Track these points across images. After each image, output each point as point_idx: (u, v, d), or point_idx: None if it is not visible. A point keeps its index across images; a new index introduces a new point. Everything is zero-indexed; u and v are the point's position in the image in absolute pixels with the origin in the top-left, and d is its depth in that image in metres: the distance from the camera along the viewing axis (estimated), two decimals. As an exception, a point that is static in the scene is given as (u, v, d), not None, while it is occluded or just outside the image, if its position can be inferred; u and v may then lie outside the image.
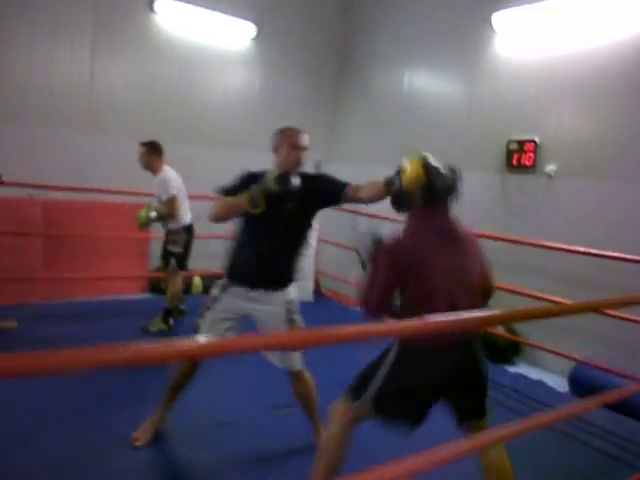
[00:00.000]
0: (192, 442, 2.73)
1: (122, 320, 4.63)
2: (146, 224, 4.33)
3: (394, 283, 1.97)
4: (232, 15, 5.88)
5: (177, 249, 4.41)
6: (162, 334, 4.26)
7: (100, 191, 5.00)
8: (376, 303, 1.97)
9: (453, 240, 2.05)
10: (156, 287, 5.71)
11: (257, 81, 6.42)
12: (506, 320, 3.39)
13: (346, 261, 6.48)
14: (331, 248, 6.36)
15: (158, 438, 2.68)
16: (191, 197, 4.54)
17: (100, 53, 5.32)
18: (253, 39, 6.19)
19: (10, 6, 4.81)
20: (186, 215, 4.40)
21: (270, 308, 2.51)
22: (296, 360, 2.62)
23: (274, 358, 2.58)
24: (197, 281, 5.90)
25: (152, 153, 4.24)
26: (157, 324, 4.36)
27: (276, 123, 6.69)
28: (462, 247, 2.06)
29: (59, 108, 5.13)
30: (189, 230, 4.46)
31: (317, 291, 6.15)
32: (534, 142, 4.65)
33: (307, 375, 2.69)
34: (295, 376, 2.66)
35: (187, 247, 4.46)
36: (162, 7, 5.46)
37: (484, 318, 1.58)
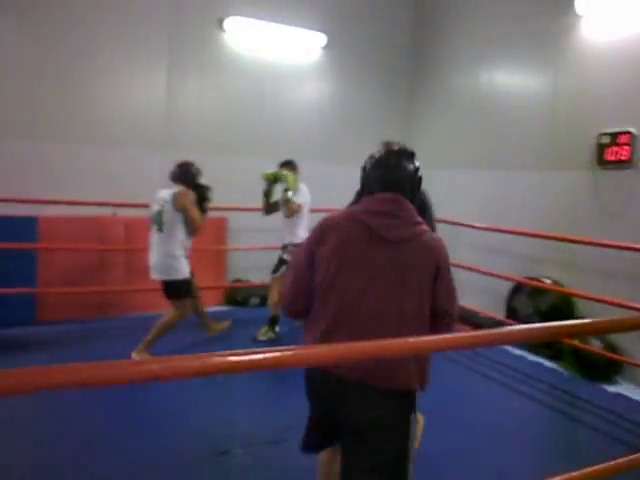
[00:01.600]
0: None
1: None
2: (270, 180, 4.48)
3: (301, 275, 1.73)
4: (301, 27, 5.88)
5: (287, 258, 4.55)
6: (271, 342, 4.40)
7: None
8: (285, 300, 1.77)
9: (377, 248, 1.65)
10: (232, 299, 5.79)
11: (328, 91, 6.37)
12: (581, 331, 3.02)
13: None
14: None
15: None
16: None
17: (174, 74, 5.50)
18: (323, 48, 6.15)
19: (92, 36, 5.09)
20: (303, 231, 4.43)
21: None
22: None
23: None
24: (273, 293, 5.90)
25: (294, 170, 4.53)
26: (266, 333, 4.53)
27: (348, 133, 6.64)
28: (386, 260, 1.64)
29: (137, 129, 5.35)
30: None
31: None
32: (630, 133, 4.18)
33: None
34: None
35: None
36: (231, 25, 5.56)
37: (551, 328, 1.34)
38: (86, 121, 5.15)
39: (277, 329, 4.57)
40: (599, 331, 2.58)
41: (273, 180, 4.50)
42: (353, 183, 5.30)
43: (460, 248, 5.78)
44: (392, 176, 1.75)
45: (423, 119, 6.68)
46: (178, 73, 5.54)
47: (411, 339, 1.34)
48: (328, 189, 5.26)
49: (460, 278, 5.69)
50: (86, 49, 5.09)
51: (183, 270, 3.88)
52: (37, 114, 4.94)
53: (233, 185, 5.50)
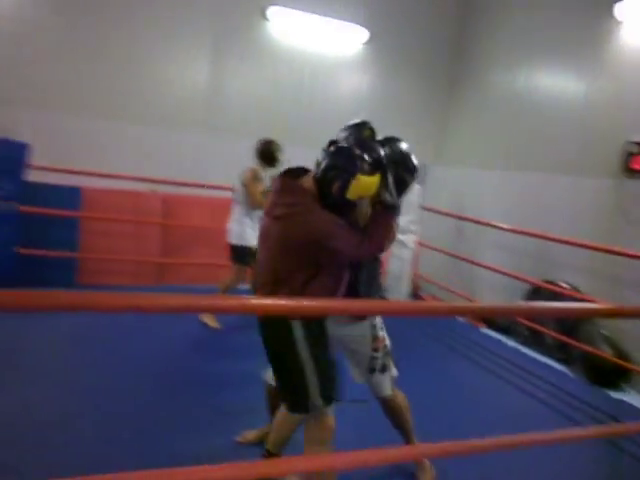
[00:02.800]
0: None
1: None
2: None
3: None
4: (344, 20, 6.02)
5: None
6: None
7: (215, 187, 5.36)
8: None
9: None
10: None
11: (366, 84, 6.50)
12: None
13: (448, 267, 6.34)
14: (434, 253, 6.23)
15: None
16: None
17: (217, 60, 5.74)
18: (365, 43, 6.27)
19: (141, 24, 5.39)
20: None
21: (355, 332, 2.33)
22: (385, 384, 2.40)
23: (361, 379, 2.42)
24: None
25: None
26: None
27: (384, 127, 6.71)
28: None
29: (179, 112, 5.62)
30: None
31: (415, 294, 6.05)
32: (658, 144, 4.16)
33: (399, 399, 2.44)
34: (385, 402, 2.45)
35: None
36: (274, 15, 5.75)
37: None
38: (133, 102, 5.47)
39: None
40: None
41: None
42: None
43: (484, 247, 5.86)
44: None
45: (458, 117, 6.73)
46: (220, 59, 5.78)
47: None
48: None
49: (481, 276, 5.82)
50: (136, 36, 5.40)
51: (247, 238, 4.23)
52: (89, 93, 5.28)
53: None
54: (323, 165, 1.97)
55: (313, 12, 5.87)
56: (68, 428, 2.64)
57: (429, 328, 5.03)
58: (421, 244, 6.14)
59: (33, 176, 4.66)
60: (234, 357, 3.79)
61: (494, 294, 5.61)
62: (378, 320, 2.37)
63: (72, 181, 4.96)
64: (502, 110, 5.96)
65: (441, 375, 4.05)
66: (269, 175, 4.43)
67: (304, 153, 6.52)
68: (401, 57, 6.55)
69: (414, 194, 5.90)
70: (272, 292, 1.98)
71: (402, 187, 2.17)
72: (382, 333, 2.37)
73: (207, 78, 5.76)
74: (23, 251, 4.59)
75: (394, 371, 2.44)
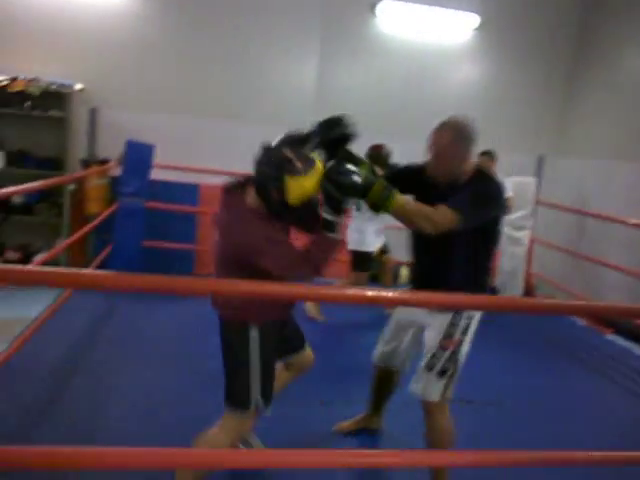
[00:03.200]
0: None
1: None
2: None
3: None
4: (453, 8, 5.82)
5: None
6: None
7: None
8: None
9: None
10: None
11: (477, 73, 6.23)
12: None
13: (568, 267, 5.90)
14: (552, 251, 5.84)
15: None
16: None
17: (326, 59, 5.82)
18: (475, 30, 6.02)
19: (253, 26, 5.61)
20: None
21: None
22: (436, 388, 2.17)
23: (414, 384, 2.23)
24: (404, 272, 6.04)
25: (494, 160, 4.67)
26: None
27: (497, 116, 6.50)
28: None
29: (289, 111, 5.77)
30: None
31: (529, 293, 5.71)
32: None
33: (446, 417, 2.20)
34: (427, 409, 2.22)
35: None
36: (383, 9, 5.70)
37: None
38: (245, 102, 5.72)
39: None
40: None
41: None
42: (497, 167, 5.25)
43: (609, 244, 5.38)
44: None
45: (580, 104, 6.22)
46: (329, 58, 5.84)
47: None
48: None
49: (605, 277, 5.36)
50: (248, 40, 5.62)
51: (368, 244, 4.32)
52: (206, 96, 5.61)
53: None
54: (253, 174, 1.87)
55: (422, 2, 5.74)
56: (178, 408, 2.83)
57: (548, 331, 4.73)
58: (536, 241, 5.80)
59: (157, 174, 5.04)
60: (336, 350, 3.83)
61: (620, 296, 5.13)
62: (464, 322, 2.15)
63: (191, 178, 5.32)
64: (633, 98, 5.42)
65: (550, 379, 3.79)
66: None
67: (415, 148, 6.39)
68: (515, 42, 6.19)
69: (528, 188, 5.58)
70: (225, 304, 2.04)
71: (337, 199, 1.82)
72: (460, 337, 2.15)
73: (316, 78, 5.85)
74: (148, 243, 4.99)
75: (449, 392, 2.19)
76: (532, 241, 5.66)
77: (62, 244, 4.28)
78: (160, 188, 5.13)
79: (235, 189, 1.99)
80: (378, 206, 1.88)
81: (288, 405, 2.95)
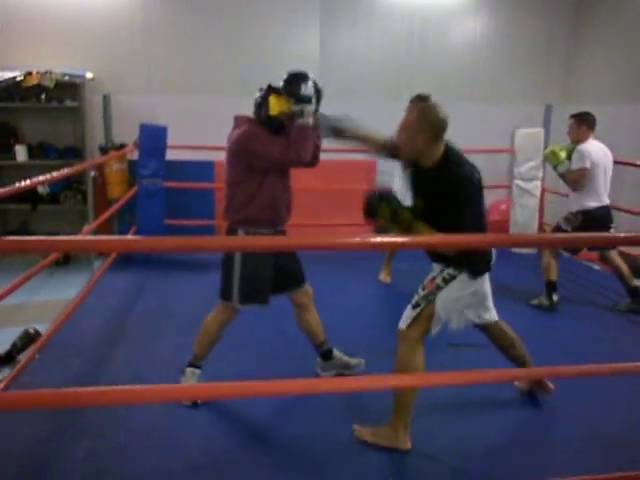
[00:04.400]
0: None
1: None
2: (555, 163, 4.04)
3: None
4: (451, -37, 5.79)
5: (565, 227, 4.09)
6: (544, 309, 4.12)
7: (336, 151, 5.55)
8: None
9: None
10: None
11: (479, 26, 6.20)
12: None
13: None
14: (563, 200, 5.90)
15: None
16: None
17: (327, 26, 5.88)
18: (475, -17, 5.99)
19: (255, 3, 5.69)
20: (590, 198, 3.96)
21: None
22: (407, 317, 2.41)
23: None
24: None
25: (580, 124, 4.02)
26: (540, 298, 4.17)
27: (500, 69, 6.46)
28: None
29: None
30: (588, 217, 3.97)
31: (543, 244, 5.81)
32: None
33: (407, 349, 2.39)
34: (398, 337, 2.43)
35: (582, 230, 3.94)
36: (380, -30, 5.71)
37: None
38: (250, 75, 5.78)
39: (555, 298, 4.10)
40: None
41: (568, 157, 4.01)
42: (504, 119, 5.27)
43: (623, 189, 5.42)
44: None
45: (587, 51, 6.18)
46: (330, 24, 5.90)
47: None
48: (481, 127, 5.40)
49: (616, 220, 5.42)
50: (251, 12, 5.72)
51: None
52: (211, 75, 5.73)
53: (381, 129, 5.79)
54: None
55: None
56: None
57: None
58: (547, 191, 5.87)
59: (172, 155, 5.22)
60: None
61: None
62: (447, 274, 2.34)
63: (205, 156, 5.48)
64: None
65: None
66: None
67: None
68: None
69: (536, 138, 5.63)
70: (226, 214, 2.68)
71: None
72: (440, 282, 2.35)
73: (318, 44, 5.92)
74: (169, 222, 5.21)
75: (419, 329, 2.37)
76: (543, 191, 5.74)
77: (88, 229, 4.52)
78: (177, 168, 5.31)
79: (241, 117, 2.71)
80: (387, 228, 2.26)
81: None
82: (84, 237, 2.52)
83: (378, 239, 1.56)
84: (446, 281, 2.37)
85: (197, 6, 5.60)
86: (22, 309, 4.04)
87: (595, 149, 3.96)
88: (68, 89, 5.17)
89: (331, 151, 5.46)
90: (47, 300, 4.29)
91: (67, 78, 5.07)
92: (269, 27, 5.78)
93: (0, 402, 1.65)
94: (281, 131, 2.59)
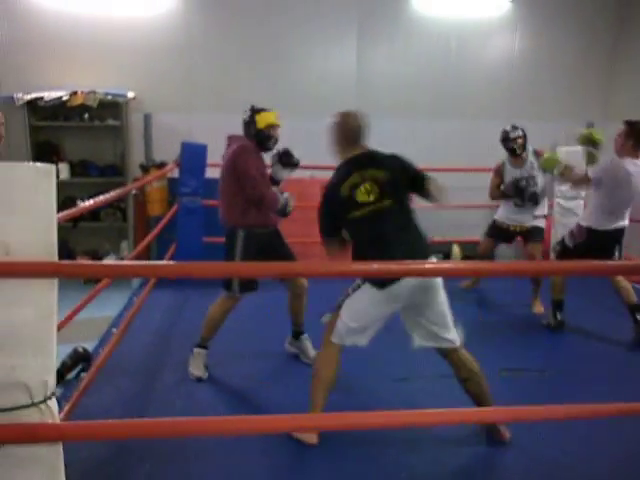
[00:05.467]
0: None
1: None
2: (551, 167, 3.87)
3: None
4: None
5: (568, 242, 3.92)
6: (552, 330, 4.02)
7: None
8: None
9: None
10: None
11: (517, 44, 6.16)
12: None
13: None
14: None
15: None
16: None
17: (364, 43, 5.89)
18: (512, 1, 5.95)
19: (290, 18, 5.72)
20: (604, 218, 3.66)
21: None
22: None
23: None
24: (456, 249, 6.09)
25: (628, 139, 3.65)
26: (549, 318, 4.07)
27: (539, 87, 6.37)
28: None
29: (330, 98, 5.87)
30: (595, 236, 3.68)
31: (585, 264, 5.67)
32: None
33: (326, 348, 2.52)
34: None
35: (583, 250, 3.70)
36: (419, -12, 5.72)
37: None
38: (289, 93, 5.83)
39: (559, 317, 4.01)
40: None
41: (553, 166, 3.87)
42: (543, 137, 5.20)
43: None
44: None
45: (628, 68, 6.08)
46: (367, 42, 5.91)
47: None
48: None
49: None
50: (288, 31, 5.76)
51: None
52: (249, 93, 5.73)
53: (416, 146, 5.76)
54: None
55: (457, -21, 5.72)
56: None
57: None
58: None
59: (212, 172, 5.24)
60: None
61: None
62: (356, 284, 2.48)
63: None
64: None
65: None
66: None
67: (456, 125, 6.43)
68: (554, 8, 6.09)
69: (577, 157, 5.51)
70: (228, 219, 3.19)
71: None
72: (350, 290, 2.48)
73: (355, 63, 5.93)
74: (208, 239, 5.21)
75: (335, 333, 2.47)
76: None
77: (131, 252, 4.53)
78: (216, 186, 5.31)
79: (233, 136, 3.26)
80: None
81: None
82: (144, 263, 2.51)
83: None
84: (354, 290, 2.46)
85: (237, 24, 5.66)
86: (67, 326, 4.06)
87: (627, 168, 3.56)
88: (110, 108, 5.25)
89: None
90: (90, 317, 4.29)
91: (110, 97, 5.15)
92: (306, 45, 5.82)
93: (69, 433, 1.52)
94: (268, 142, 3.23)
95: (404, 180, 2.45)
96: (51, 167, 1.32)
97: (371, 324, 2.44)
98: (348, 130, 2.51)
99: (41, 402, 1.32)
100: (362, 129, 2.54)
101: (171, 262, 3.03)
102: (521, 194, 4.36)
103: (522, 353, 3.64)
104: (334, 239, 2.53)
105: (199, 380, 3.14)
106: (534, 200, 4.38)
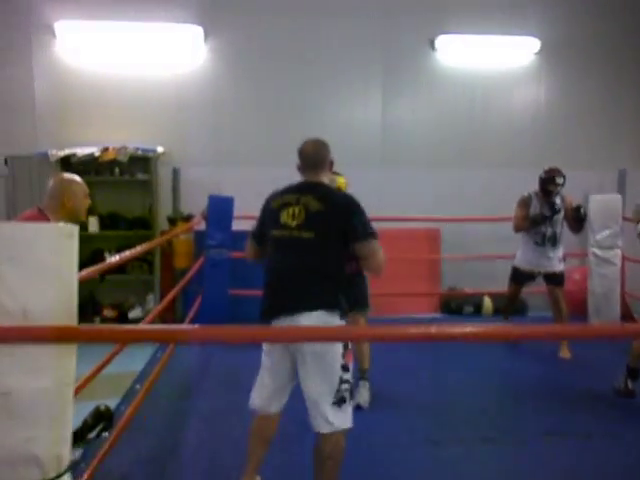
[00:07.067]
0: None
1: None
2: None
3: None
4: (512, 34, 5.82)
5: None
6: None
7: (396, 219, 5.48)
8: None
9: None
10: (447, 307, 5.97)
11: (544, 95, 6.15)
12: None
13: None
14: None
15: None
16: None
17: (389, 95, 5.96)
18: (537, 53, 5.98)
19: (316, 70, 5.84)
20: None
21: None
22: (349, 414, 2.18)
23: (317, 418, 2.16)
24: (487, 302, 5.91)
25: None
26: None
27: (567, 135, 6.28)
28: None
29: (356, 149, 5.89)
30: None
31: (626, 316, 5.42)
32: None
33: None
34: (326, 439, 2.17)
35: None
36: (442, 43, 5.79)
37: None
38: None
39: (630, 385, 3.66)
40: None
41: None
42: (574, 186, 5.07)
43: None
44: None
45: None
46: (392, 93, 5.98)
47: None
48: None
49: None
50: (314, 85, 5.87)
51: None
52: (277, 144, 5.82)
53: (443, 197, 5.71)
54: None
55: (481, 32, 5.79)
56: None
57: None
58: (628, 259, 5.53)
59: (238, 225, 5.24)
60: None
61: None
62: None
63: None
64: None
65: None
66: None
67: (481, 174, 6.35)
68: (580, 58, 6.10)
69: (615, 205, 5.35)
70: None
71: None
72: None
73: (379, 114, 5.98)
74: (234, 292, 5.15)
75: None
76: (623, 260, 5.40)
77: (157, 304, 4.49)
78: (243, 238, 5.29)
79: None
80: None
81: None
82: (165, 327, 2.43)
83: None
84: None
85: (264, 79, 5.79)
86: (90, 383, 3.99)
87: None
88: (140, 163, 5.36)
89: (393, 220, 5.46)
90: (113, 373, 4.22)
91: (140, 152, 5.26)
92: (332, 96, 5.90)
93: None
94: None
95: (340, 223, 2.23)
96: (74, 228, 1.28)
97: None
98: (303, 157, 2.46)
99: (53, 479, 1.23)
100: (317, 158, 2.45)
101: (193, 326, 2.84)
102: (549, 224, 4.40)
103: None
104: (254, 243, 2.54)
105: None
106: (553, 240, 4.43)
